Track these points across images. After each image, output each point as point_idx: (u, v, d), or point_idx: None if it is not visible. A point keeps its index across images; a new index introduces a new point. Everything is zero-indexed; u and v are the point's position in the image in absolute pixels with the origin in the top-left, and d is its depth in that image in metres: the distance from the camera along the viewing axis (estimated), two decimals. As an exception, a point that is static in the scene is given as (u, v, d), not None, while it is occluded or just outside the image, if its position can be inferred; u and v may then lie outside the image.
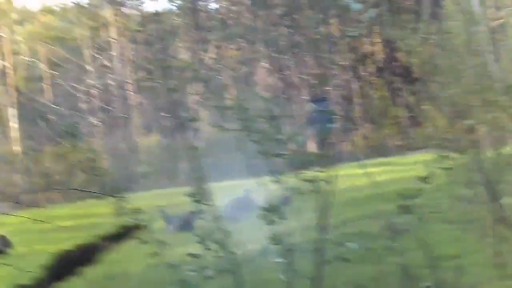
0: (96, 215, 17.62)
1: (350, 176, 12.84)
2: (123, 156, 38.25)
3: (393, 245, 4.18)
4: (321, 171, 4.03)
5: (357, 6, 4.08)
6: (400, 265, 6.69)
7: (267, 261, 4.10)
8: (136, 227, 1.66)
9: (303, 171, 4.00)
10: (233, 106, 4.19)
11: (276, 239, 3.79)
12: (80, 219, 19.91)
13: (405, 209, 4.14)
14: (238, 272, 3.89)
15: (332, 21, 43.27)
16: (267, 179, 4.40)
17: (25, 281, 5.54)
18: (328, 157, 4.02)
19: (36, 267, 5.82)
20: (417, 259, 6.84)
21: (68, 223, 18.67)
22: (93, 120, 42.69)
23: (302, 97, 46.01)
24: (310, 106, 25.32)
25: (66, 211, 22.81)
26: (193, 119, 4.14)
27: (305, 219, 4.09)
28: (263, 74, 49.17)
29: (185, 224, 14.31)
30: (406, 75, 39.95)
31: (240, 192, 13.51)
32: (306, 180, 3.97)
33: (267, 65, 49.37)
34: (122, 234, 1.59)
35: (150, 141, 39.13)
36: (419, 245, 7.03)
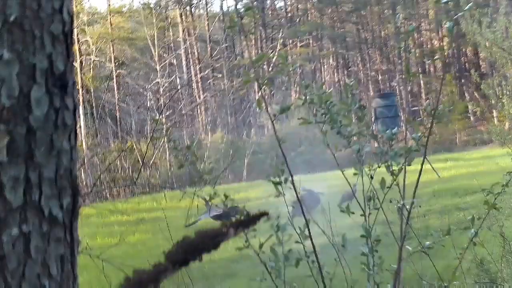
0: (159, 209, 17.82)
1: (417, 171, 12.63)
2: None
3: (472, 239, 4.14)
4: (406, 164, 4.03)
5: None
6: (475, 259, 6.64)
7: (344, 253, 4.12)
8: (261, 214, 1.67)
9: (385, 164, 4.01)
10: (317, 99, 4.19)
11: (365, 232, 3.81)
12: (143, 213, 20.19)
13: (488, 204, 4.10)
14: (318, 263, 3.92)
15: (400, 16, 42.86)
16: (334, 173, 4.42)
17: (111, 268, 5.63)
18: (411, 151, 4.02)
19: (108, 259, 5.91)
20: (491, 253, 6.78)
21: (132, 217, 19.03)
22: (160, 118, 43.07)
23: (369, 93, 45.77)
24: (376, 102, 25.07)
25: (129, 205, 23.14)
26: (285, 109, 4.13)
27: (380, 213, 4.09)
28: (329, 71, 49.01)
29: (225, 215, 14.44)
30: (475, 70, 39.41)
31: (310, 186, 13.50)
32: (392, 174, 3.98)
33: (333, 62, 49.25)
34: (245, 222, 1.59)
35: (215, 138, 39.36)
36: (494, 239, 6.97)
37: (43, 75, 1.73)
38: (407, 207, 4.04)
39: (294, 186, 4.01)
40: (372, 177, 3.88)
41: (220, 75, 45.87)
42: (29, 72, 1.72)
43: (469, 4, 4.22)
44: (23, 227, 1.69)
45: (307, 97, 4.43)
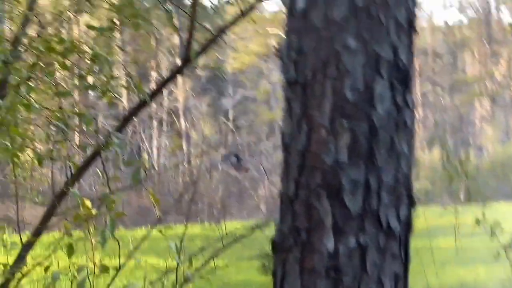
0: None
1: None
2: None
3: None
4: None
5: None
6: None
7: None
8: None
9: None
10: None
11: None
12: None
13: None
14: None
15: None
16: None
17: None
18: None
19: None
20: None
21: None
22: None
23: None
24: None
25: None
26: None
27: None
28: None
29: None
30: None
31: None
32: None
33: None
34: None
35: (431, 156, 38.46)
36: None
37: (387, 67, 1.53)
38: None
39: None
40: None
41: (441, 91, 44.86)
42: (374, 63, 1.52)
43: None
44: (360, 238, 1.50)
45: None
